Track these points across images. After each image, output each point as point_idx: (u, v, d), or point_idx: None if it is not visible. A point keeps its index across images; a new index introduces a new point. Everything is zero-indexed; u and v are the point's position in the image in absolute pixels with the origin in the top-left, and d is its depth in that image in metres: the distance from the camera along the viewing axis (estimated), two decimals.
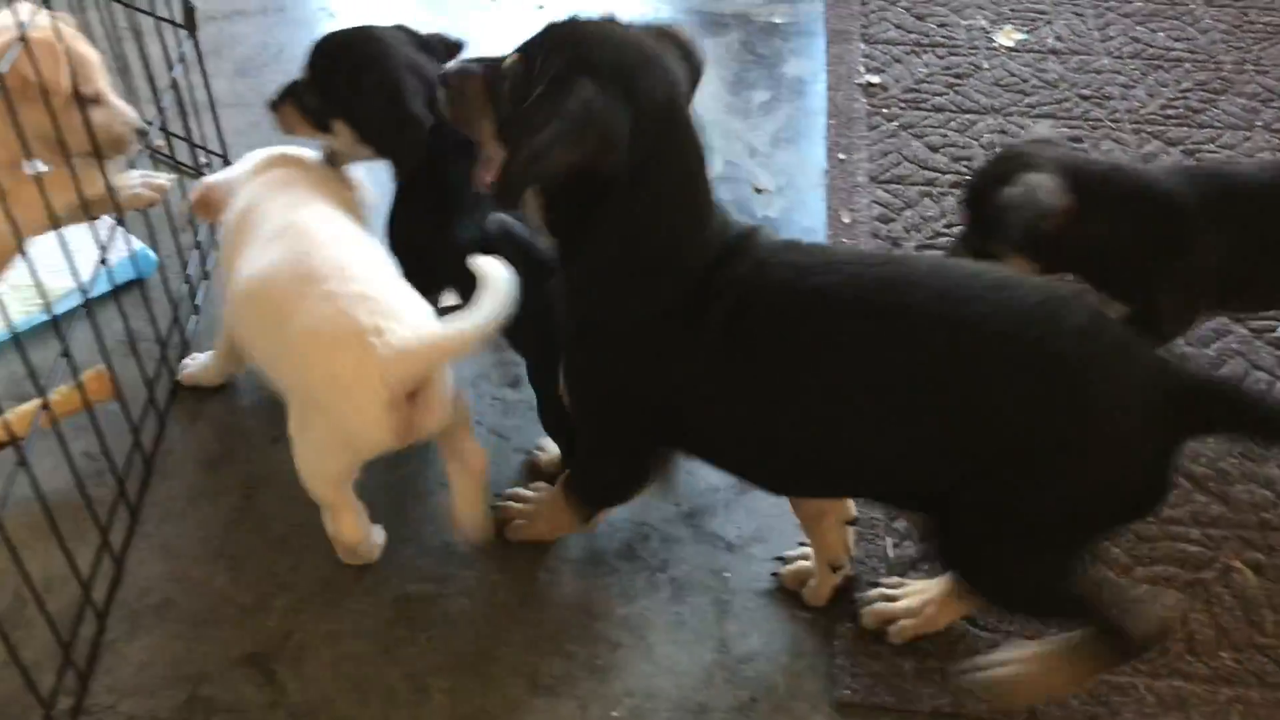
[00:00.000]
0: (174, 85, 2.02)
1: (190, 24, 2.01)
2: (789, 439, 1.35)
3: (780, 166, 2.38)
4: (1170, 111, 2.50)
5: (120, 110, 1.73)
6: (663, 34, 1.33)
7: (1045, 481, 1.27)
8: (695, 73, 1.35)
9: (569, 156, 1.20)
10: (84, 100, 1.63)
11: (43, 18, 1.55)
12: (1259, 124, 2.47)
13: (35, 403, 1.71)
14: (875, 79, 2.58)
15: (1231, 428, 1.38)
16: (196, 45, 2.05)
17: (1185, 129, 2.45)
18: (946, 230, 2.19)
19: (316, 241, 1.54)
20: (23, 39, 1.44)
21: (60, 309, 1.89)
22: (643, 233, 1.29)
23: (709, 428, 1.39)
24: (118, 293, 1.82)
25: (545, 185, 1.28)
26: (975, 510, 1.30)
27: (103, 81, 1.71)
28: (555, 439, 1.69)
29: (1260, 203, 1.71)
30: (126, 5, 1.78)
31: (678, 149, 1.28)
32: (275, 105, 1.73)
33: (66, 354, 1.51)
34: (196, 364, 1.88)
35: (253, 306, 1.57)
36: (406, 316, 1.44)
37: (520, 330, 1.47)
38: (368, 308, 1.42)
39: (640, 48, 1.26)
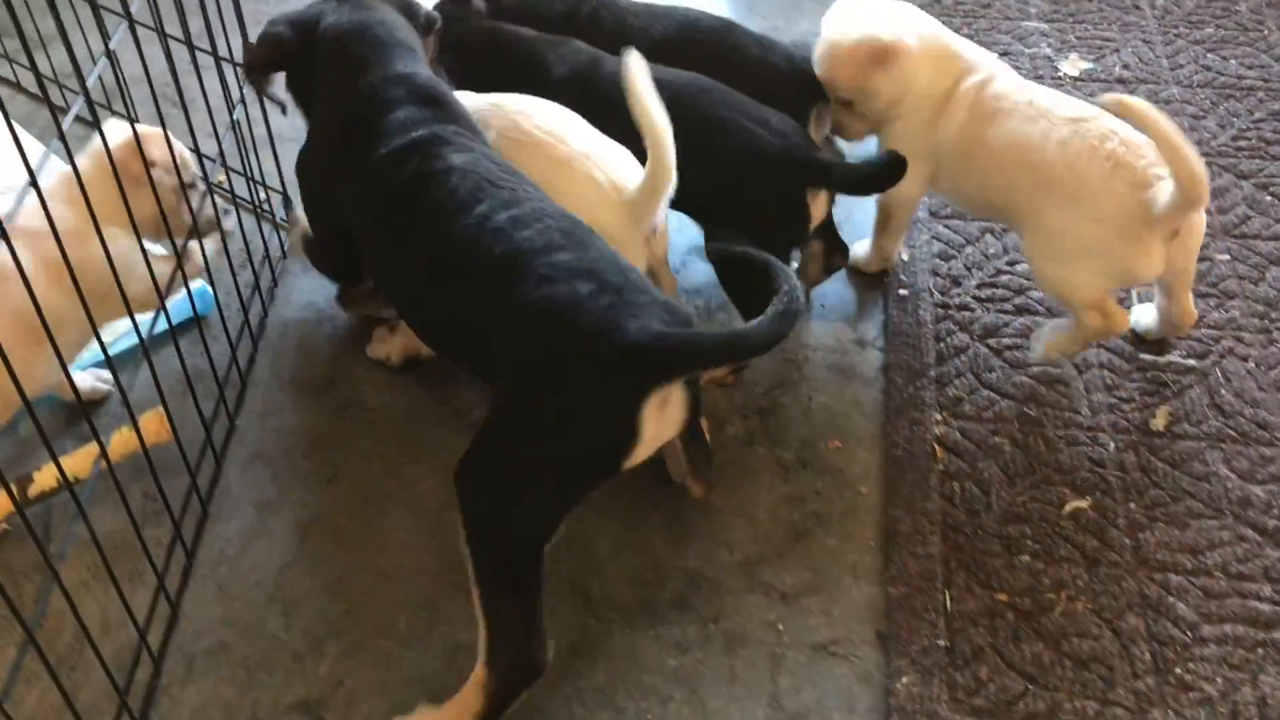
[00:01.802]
0: (234, 125, 2.05)
1: None
2: (409, 283, 1.64)
3: (839, 200, 2.34)
4: (1242, 143, 2.43)
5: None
6: (400, 3, 1.87)
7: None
8: (415, 19, 1.88)
9: (264, 54, 1.84)
10: (184, 187, 1.79)
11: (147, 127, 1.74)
12: None
13: (93, 446, 1.73)
14: None
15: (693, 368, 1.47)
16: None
17: (1258, 161, 2.38)
18: (1009, 268, 2.15)
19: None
20: (135, 132, 1.63)
21: (117, 349, 1.94)
22: (326, 99, 1.79)
23: (368, 255, 1.74)
24: (175, 331, 1.84)
25: (278, 71, 1.88)
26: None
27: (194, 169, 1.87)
28: None
29: None
30: (189, 45, 1.80)
31: (339, 57, 1.76)
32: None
33: (124, 398, 1.53)
34: None
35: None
36: (624, 169, 1.74)
37: None
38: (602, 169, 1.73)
39: (350, 11, 1.80)
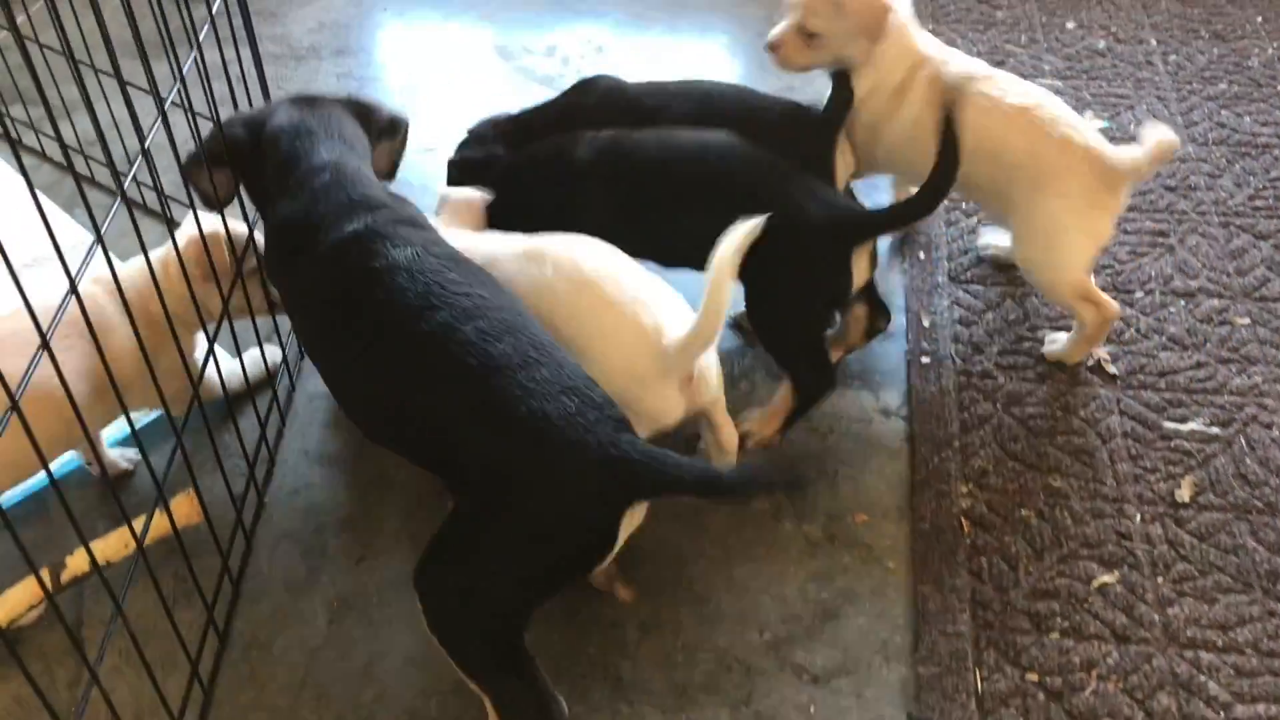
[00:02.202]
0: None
1: None
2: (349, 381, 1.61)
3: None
4: (1259, 203, 2.45)
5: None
6: (354, 105, 1.87)
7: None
8: (378, 127, 1.88)
9: (213, 149, 1.75)
10: (243, 278, 1.88)
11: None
12: None
13: (123, 530, 1.75)
14: None
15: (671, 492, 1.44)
16: None
17: (1276, 221, 2.40)
18: (1030, 334, 2.16)
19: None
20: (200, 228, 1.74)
21: (144, 422, 1.95)
22: (270, 197, 1.72)
23: (312, 351, 1.73)
24: (203, 407, 1.85)
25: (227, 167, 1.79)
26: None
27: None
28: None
29: None
30: (218, 123, 1.82)
31: (276, 153, 1.72)
32: None
33: (155, 479, 1.53)
34: None
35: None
36: (672, 314, 1.70)
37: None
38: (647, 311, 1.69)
39: (294, 110, 1.79)
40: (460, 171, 2.08)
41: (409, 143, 1.96)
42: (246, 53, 2.04)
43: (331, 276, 1.58)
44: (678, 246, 1.87)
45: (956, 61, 2.04)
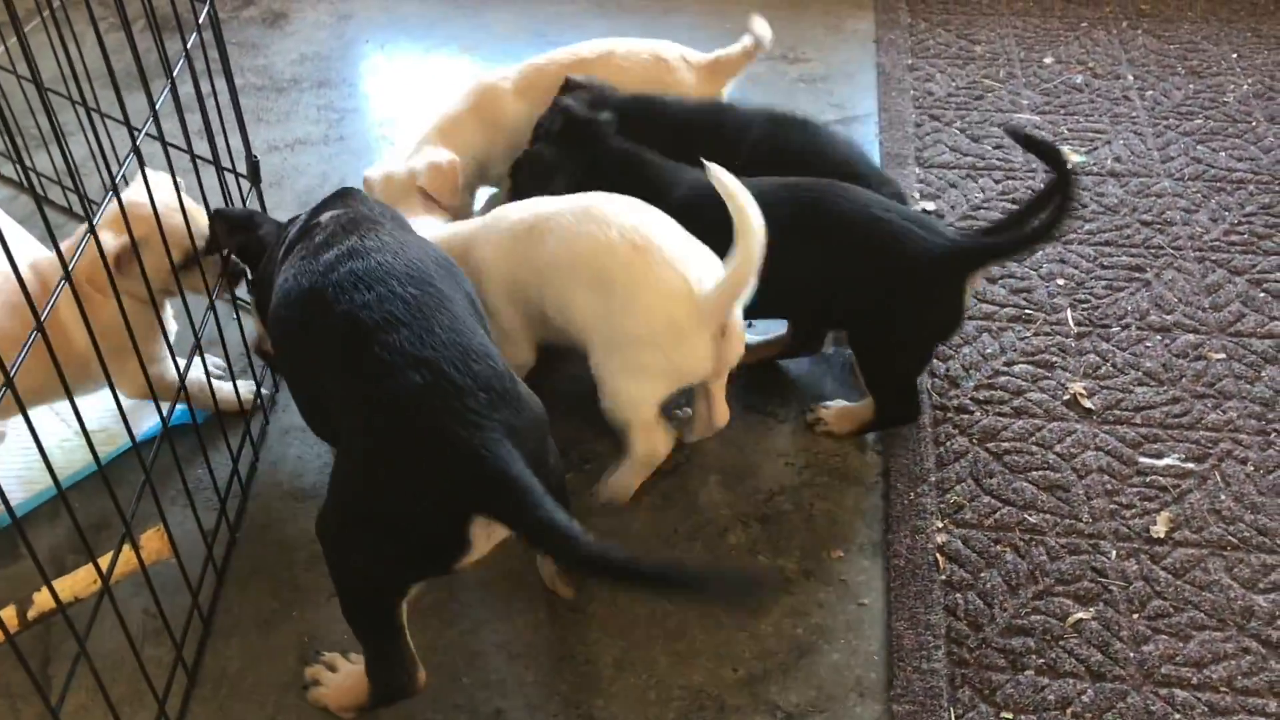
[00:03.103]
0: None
1: (255, 176, 2.06)
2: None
3: None
4: (1234, 237, 2.46)
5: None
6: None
7: None
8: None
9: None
10: (197, 252, 1.88)
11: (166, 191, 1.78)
12: None
13: (90, 568, 1.73)
14: (931, 205, 2.57)
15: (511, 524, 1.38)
16: (260, 196, 2.09)
17: (1251, 256, 2.41)
18: (1006, 368, 2.16)
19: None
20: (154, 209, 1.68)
21: (112, 455, 1.93)
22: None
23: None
24: (174, 440, 1.83)
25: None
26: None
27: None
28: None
29: None
30: (193, 156, 1.82)
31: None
32: None
33: (122, 516, 1.52)
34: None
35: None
36: (706, 267, 1.76)
37: None
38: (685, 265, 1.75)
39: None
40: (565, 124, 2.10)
41: None
42: (222, 84, 2.05)
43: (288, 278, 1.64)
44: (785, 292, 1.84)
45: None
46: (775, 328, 2.19)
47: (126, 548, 1.70)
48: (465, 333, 1.46)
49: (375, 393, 1.40)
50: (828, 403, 2.09)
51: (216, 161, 2.01)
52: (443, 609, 1.79)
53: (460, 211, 2.27)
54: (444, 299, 1.51)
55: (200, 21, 1.91)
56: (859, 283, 1.88)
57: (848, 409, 2.06)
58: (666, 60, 2.38)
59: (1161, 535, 1.87)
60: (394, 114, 2.97)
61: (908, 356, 1.97)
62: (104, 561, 1.54)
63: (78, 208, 2.55)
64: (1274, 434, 2.03)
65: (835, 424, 2.06)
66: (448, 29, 3.35)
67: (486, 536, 1.42)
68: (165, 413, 1.66)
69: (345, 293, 1.50)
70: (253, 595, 1.83)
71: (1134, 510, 1.91)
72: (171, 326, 1.96)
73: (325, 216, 1.72)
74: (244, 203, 2.14)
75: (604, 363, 1.81)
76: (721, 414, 1.94)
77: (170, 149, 1.74)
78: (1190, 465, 1.98)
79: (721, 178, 1.64)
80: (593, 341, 1.82)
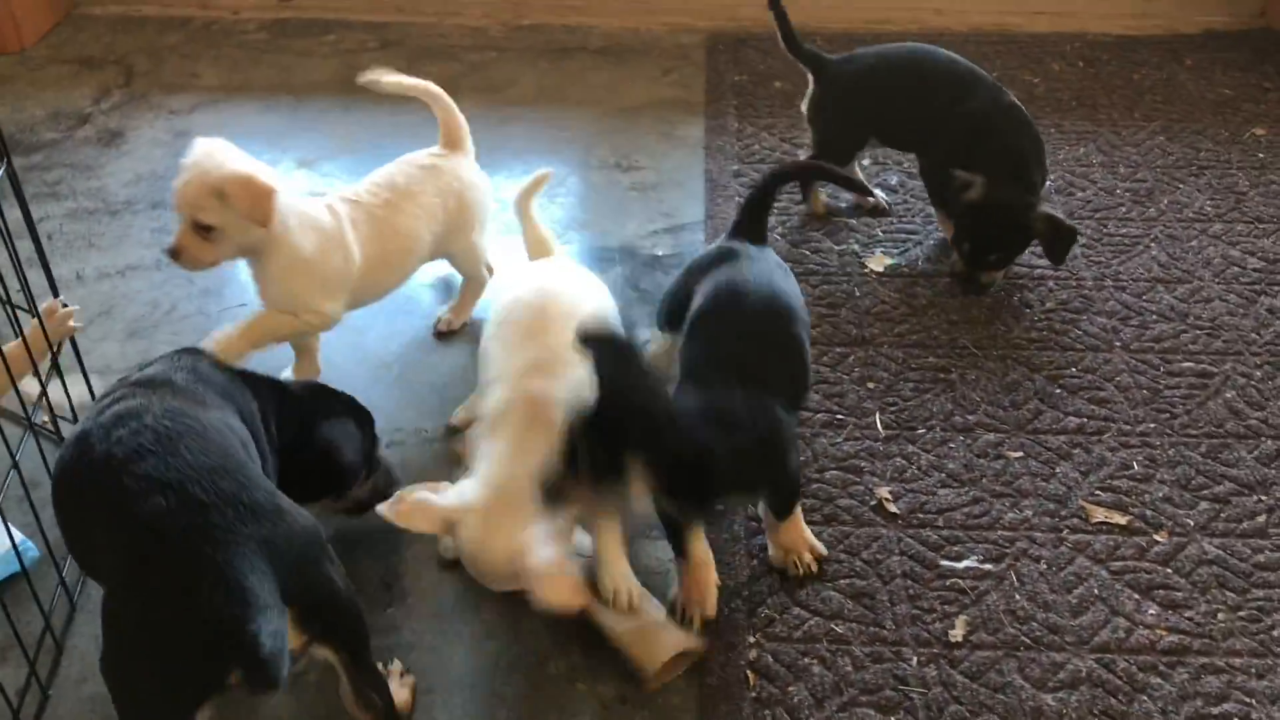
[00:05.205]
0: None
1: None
2: None
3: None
4: (1034, 334, 2.61)
5: None
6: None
7: None
8: None
9: None
10: None
11: None
12: (1117, 344, 2.57)
13: None
14: None
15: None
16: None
17: (1049, 353, 2.55)
18: (818, 475, 2.25)
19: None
20: None
21: None
22: None
23: None
24: None
25: None
26: None
27: None
28: None
29: None
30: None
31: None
32: None
33: None
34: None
35: None
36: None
37: None
38: None
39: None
40: None
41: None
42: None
43: None
44: None
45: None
46: None
47: None
48: (215, 454, 1.56)
49: (123, 519, 1.49)
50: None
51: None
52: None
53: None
54: (203, 427, 1.61)
55: None
56: None
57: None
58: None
59: (959, 639, 1.96)
60: None
61: None
62: None
63: None
64: (1066, 530, 2.14)
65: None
66: (285, 143, 3.38)
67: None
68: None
69: (106, 431, 1.58)
70: None
71: (935, 615, 2.00)
72: None
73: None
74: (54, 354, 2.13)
75: None
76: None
77: None
78: (988, 566, 2.08)
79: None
80: None
